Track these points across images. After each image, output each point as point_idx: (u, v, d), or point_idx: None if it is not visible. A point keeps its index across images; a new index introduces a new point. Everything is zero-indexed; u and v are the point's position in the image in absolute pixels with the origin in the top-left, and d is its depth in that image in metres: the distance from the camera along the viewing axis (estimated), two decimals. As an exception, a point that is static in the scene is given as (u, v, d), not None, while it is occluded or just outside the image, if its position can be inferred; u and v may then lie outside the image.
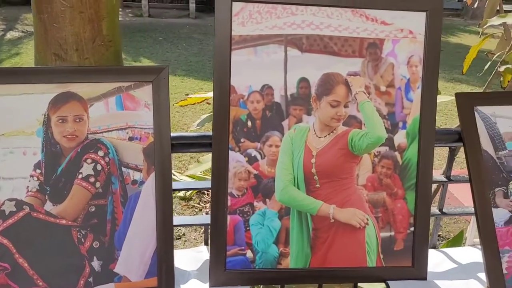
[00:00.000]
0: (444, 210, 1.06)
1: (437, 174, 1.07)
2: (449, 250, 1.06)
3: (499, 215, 0.91)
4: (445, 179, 1.04)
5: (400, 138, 0.93)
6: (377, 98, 0.92)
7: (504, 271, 0.88)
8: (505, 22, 1.45)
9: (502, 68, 1.07)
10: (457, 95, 0.96)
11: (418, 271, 0.94)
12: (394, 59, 0.92)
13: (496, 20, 1.04)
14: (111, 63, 1.26)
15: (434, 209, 1.07)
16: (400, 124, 0.93)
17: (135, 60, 6.31)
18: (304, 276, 0.93)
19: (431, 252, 1.07)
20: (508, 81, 1.57)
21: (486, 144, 0.94)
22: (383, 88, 0.92)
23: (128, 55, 7.36)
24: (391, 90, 0.93)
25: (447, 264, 1.02)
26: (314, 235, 0.92)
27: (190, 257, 0.97)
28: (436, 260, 1.03)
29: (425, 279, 0.94)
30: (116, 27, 1.26)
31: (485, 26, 1.06)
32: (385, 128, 0.93)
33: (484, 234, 0.89)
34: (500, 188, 0.92)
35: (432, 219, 1.03)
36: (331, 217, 0.92)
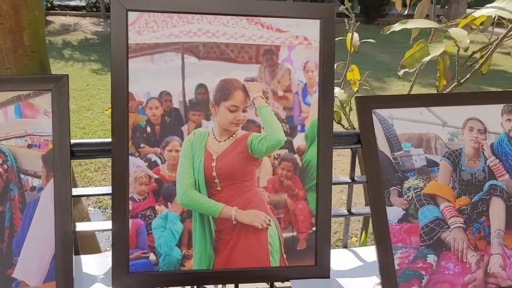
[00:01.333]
0: (352, 211, 1.10)
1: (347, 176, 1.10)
2: (358, 249, 1.09)
3: (393, 213, 0.94)
4: (349, 180, 1.07)
5: (299, 140, 0.97)
6: (275, 102, 0.96)
7: (396, 267, 0.91)
8: (434, 28, 1.50)
9: (401, 72, 1.11)
10: (356, 98, 0.99)
11: (321, 269, 0.97)
12: (291, 64, 0.95)
13: (397, 26, 1.08)
14: (36, 72, 1.28)
15: (343, 210, 1.10)
16: (299, 127, 0.97)
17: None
18: (208, 278, 0.95)
19: (342, 252, 1.10)
20: (443, 85, 1.63)
21: (382, 145, 0.97)
22: (280, 93, 0.96)
23: (105, 65, 7.33)
24: (288, 95, 0.96)
25: (355, 263, 1.05)
26: (217, 237, 0.95)
27: (98, 262, 0.99)
28: (345, 259, 1.06)
29: (328, 277, 0.97)
30: (41, 38, 1.27)
31: (387, 32, 1.10)
32: (284, 131, 0.96)
33: (378, 232, 0.92)
34: (395, 187, 0.96)
35: (341, 219, 1.06)
36: (233, 219, 0.95)
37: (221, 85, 0.93)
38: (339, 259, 1.06)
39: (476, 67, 1.34)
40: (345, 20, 1.69)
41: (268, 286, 1.10)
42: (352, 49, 1.62)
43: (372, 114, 0.99)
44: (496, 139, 1.01)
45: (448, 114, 1.01)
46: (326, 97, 0.96)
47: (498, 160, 0.99)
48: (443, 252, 0.93)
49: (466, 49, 0.98)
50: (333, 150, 0.97)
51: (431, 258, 0.92)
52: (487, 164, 0.99)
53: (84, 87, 6.40)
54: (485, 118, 1.01)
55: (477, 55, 1.59)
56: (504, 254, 0.94)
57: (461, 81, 1.40)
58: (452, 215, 0.95)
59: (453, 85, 1.29)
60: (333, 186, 0.98)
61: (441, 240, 0.93)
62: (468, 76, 1.34)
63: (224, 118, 0.94)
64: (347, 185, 1.08)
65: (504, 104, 1.02)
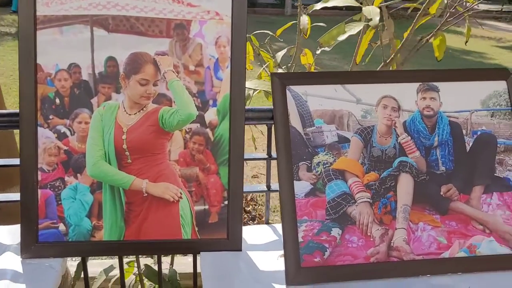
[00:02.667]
0: (272, 187, 1.11)
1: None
2: (278, 225, 1.11)
3: (301, 187, 0.95)
4: (266, 156, 1.09)
5: (211, 115, 0.98)
6: (186, 77, 0.97)
7: (300, 239, 0.92)
8: (388, 13, 1.51)
9: (318, 51, 1.11)
10: (271, 74, 1.00)
11: (233, 243, 0.99)
12: (202, 39, 0.96)
13: (319, 5, 1.09)
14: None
15: (262, 186, 1.12)
16: (211, 102, 0.98)
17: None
18: (119, 248, 0.97)
19: (262, 227, 1.12)
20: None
21: (295, 121, 0.98)
22: (192, 67, 0.97)
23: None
24: (200, 70, 0.97)
25: (271, 237, 1.07)
26: (128, 209, 0.96)
27: (12, 232, 1.00)
28: (263, 234, 1.08)
29: (239, 250, 0.99)
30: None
31: (310, 11, 1.10)
32: (196, 105, 0.97)
33: (284, 205, 0.94)
34: (304, 162, 0.97)
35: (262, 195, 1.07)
36: (144, 191, 0.96)
37: (131, 59, 0.94)
38: (258, 234, 1.08)
39: (413, 49, 1.35)
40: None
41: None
42: (302, 33, 1.63)
43: (287, 91, 1.00)
44: (410, 116, 1.02)
45: (363, 91, 1.02)
46: (237, 72, 0.97)
47: (409, 138, 1.00)
48: (348, 226, 0.94)
49: (375, 27, 0.99)
50: (251, 126, 0.99)
51: (336, 232, 0.94)
52: (398, 141, 1.00)
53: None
54: (400, 96, 1.02)
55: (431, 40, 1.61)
56: (409, 229, 0.96)
57: (402, 63, 1.41)
58: (360, 190, 0.96)
59: (380, 65, 1.30)
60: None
61: (347, 214, 0.95)
62: (402, 59, 1.35)
63: (135, 92, 0.94)
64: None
65: (420, 83, 1.03)
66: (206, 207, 0.99)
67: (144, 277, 1.38)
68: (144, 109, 0.95)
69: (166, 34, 0.95)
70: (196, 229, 0.98)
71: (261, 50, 1.52)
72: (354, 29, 1.04)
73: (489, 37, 10.23)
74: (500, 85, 1.05)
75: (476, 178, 1.00)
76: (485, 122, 1.03)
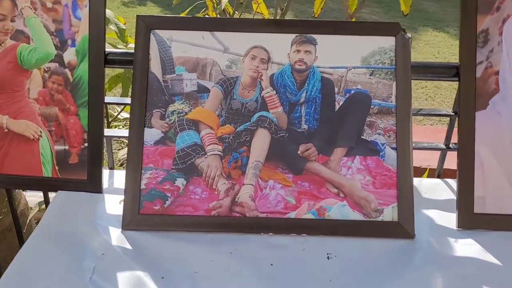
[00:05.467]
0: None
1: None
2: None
3: (151, 134, 0.94)
4: (130, 103, 1.07)
5: (69, 55, 0.96)
6: (44, 14, 0.95)
7: (143, 187, 0.92)
8: None
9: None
10: (137, 17, 0.97)
11: (93, 184, 1.00)
12: (60, -24, 0.93)
13: None
14: None
15: (125, 132, 1.11)
16: (69, 42, 0.96)
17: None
18: (-19, 180, 1.01)
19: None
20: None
21: (155, 66, 0.95)
22: (49, 5, 0.95)
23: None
24: (58, 7, 0.95)
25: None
26: (-11, 143, 0.99)
27: None
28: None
29: (100, 192, 1.00)
30: None
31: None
32: (54, 44, 0.96)
33: (131, 151, 0.93)
34: (158, 110, 0.94)
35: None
36: (5, 127, 0.98)
37: (-13, -7, 0.93)
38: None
39: None
40: None
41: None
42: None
43: (151, 35, 0.96)
44: (279, 70, 0.96)
45: (234, 40, 0.97)
46: (96, 13, 0.94)
47: (274, 92, 0.95)
48: (193, 177, 0.93)
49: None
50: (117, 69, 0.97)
51: (180, 182, 0.92)
52: (262, 95, 0.95)
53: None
54: (272, 47, 0.97)
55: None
56: (257, 185, 0.93)
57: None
58: (211, 142, 0.94)
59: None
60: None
61: (195, 166, 0.93)
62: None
63: (-8, 27, 0.94)
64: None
65: (297, 34, 0.97)
66: (67, 147, 1.00)
67: None
68: (2, 45, 0.95)
69: (23, -32, 0.93)
70: (57, 168, 1.00)
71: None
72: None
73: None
74: (388, 41, 0.96)
75: (340, 139, 0.94)
76: (362, 80, 0.96)
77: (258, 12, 1.70)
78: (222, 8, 1.59)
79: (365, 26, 0.98)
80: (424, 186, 1.07)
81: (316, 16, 1.65)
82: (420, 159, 1.65)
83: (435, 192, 1.06)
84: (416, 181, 1.09)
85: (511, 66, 0.94)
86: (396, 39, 0.96)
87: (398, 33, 0.96)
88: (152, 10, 5.89)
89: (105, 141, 1.02)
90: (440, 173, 1.12)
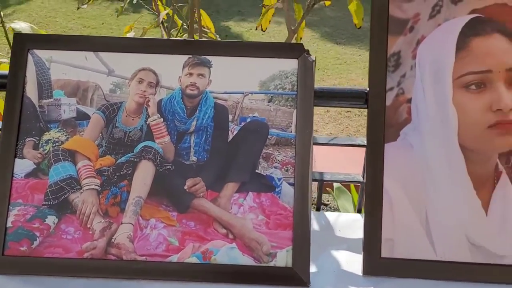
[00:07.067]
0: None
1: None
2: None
3: (23, 166, 0.84)
4: None
5: None
6: None
7: (9, 225, 0.82)
8: None
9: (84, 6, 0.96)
10: (15, 34, 0.88)
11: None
12: None
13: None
14: None
15: None
16: None
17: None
18: None
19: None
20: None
21: (31, 90, 0.86)
22: None
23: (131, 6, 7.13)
24: None
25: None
26: None
27: None
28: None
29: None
30: None
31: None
32: None
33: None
34: (32, 138, 0.85)
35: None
36: None
37: None
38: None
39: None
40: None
41: None
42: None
43: (29, 55, 0.87)
44: (168, 95, 0.87)
45: (120, 61, 0.88)
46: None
47: (161, 120, 0.86)
48: (66, 215, 0.83)
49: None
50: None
51: (51, 220, 0.83)
52: (147, 122, 0.86)
53: (98, 25, 6.32)
54: (162, 70, 0.87)
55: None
56: (137, 224, 0.83)
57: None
58: (88, 176, 0.84)
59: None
60: None
61: (68, 202, 0.83)
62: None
63: None
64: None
65: (190, 56, 0.87)
66: None
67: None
68: None
69: None
70: None
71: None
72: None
73: None
74: (290, 64, 0.87)
75: (232, 173, 0.84)
76: (260, 107, 0.87)
77: (203, 26, 1.62)
78: (161, 20, 1.51)
79: (265, 47, 0.89)
80: (341, 222, 0.97)
81: (264, 30, 1.57)
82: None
83: (351, 229, 0.96)
84: (333, 216, 0.99)
85: (425, 93, 0.85)
86: (298, 62, 0.87)
87: (301, 55, 0.87)
88: (146, 18, 5.80)
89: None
90: (360, 207, 1.02)
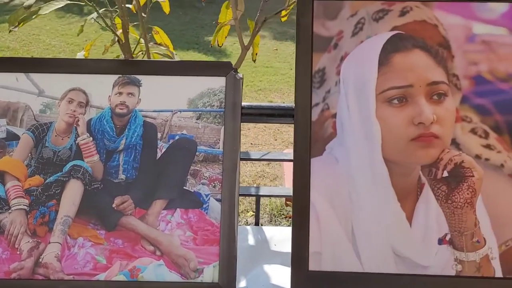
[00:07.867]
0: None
1: None
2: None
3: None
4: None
5: None
6: None
7: None
8: None
9: (14, 28, 0.97)
10: None
11: None
12: None
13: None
14: None
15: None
16: None
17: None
18: None
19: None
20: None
21: (-38, 112, 0.87)
22: None
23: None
24: None
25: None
26: None
27: None
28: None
29: None
30: None
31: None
32: None
33: None
34: (-39, 160, 0.86)
35: None
36: None
37: None
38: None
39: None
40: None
41: None
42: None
43: (-40, 77, 0.88)
44: (98, 114, 0.88)
45: (50, 82, 0.89)
46: None
47: (91, 139, 0.87)
48: (-5, 235, 0.84)
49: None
50: None
51: (-21, 241, 0.83)
52: (77, 142, 0.87)
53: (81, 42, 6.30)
54: (92, 89, 0.89)
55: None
56: (65, 244, 0.83)
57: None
58: (17, 196, 0.85)
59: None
60: None
61: (-3, 222, 0.84)
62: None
63: None
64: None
65: (120, 75, 0.89)
66: None
67: None
68: None
69: None
70: None
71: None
72: (46, 8, 0.90)
73: None
74: (218, 82, 0.89)
75: (160, 190, 0.85)
76: (188, 125, 0.88)
77: (160, 43, 1.63)
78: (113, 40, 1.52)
79: (193, 65, 0.91)
80: (279, 236, 0.99)
81: (220, 45, 1.59)
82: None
83: (287, 243, 0.96)
84: (271, 230, 1.00)
85: (349, 108, 0.87)
86: (226, 80, 0.88)
87: (229, 73, 0.88)
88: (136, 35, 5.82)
89: None
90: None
